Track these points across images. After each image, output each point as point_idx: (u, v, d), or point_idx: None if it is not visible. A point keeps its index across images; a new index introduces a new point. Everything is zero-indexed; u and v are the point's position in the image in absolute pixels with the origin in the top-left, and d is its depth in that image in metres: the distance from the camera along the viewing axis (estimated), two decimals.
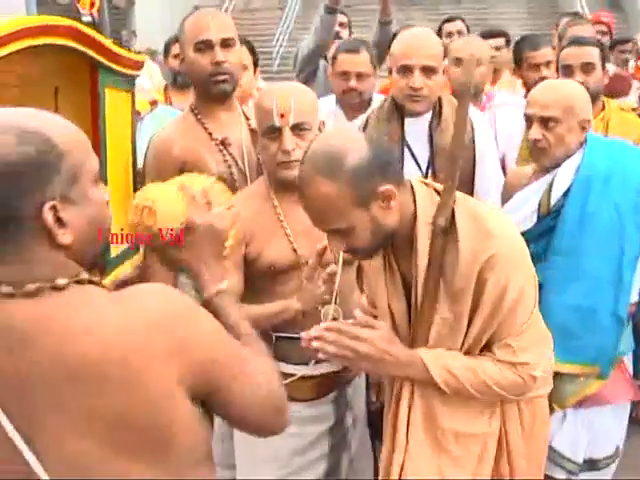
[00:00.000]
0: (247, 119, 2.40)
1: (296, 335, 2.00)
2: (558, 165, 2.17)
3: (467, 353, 1.72)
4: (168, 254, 1.44)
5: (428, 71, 2.42)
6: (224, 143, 2.33)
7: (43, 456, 1.11)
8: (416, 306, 1.71)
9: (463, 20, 4.55)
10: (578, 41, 2.89)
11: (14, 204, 1.10)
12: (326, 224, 1.61)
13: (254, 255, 2.05)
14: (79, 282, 1.15)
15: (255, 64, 3.35)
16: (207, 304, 1.38)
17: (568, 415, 2.29)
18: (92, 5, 8.52)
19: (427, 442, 1.77)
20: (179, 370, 1.15)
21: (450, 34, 4.31)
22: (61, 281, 1.13)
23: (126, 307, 1.15)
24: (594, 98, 2.46)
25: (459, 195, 1.69)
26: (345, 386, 2.22)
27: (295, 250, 2.04)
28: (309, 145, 1.64)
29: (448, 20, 4.53)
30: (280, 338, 2.09)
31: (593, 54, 2.78)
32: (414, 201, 1.66)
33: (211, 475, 1.27)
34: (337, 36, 4.23)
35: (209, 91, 2.33)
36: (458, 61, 3.08)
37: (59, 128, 1.16)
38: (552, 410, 2.12)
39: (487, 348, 1.71)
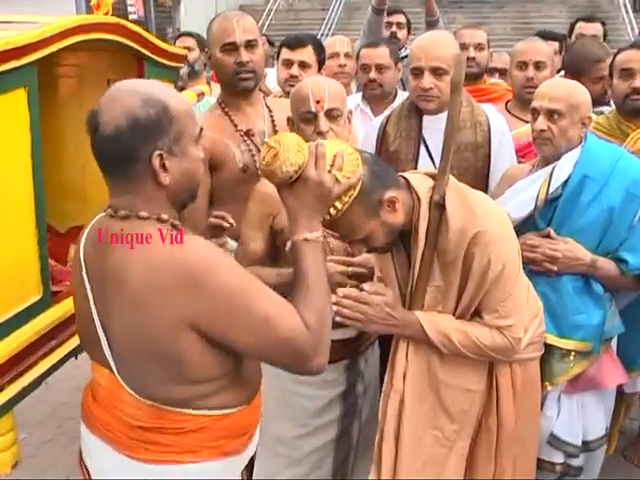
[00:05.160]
0: (270, 111, 2.62)
1: None
2: (559, 158, 2.32)
3: (460, 317, 1.95)
4: (279, 192, 1.68)
5: (438, 72, 2.54)
6: (248, 134, 2.55)
7: (108, 331, 1.53)
8: (413, 275, 1.94)
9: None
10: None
11: (135, 149, 1.46)
12: (347, 237, 1.89)
13: (280, 227, 2.27)
14: (159, 220, 1.50)
15: (321, 63, 3.25)
16: (293, 246, 1.63)
17: (563, 400, 2.40)
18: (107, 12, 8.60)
19: (422, 390, 1.99)
20: (185, 308, 1.45)
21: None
22: (143, 213, 1.48)
23: (168, 250, 1.47)
24: None
25: (450, 179, 1.91)
26: (358, 356, 2.39)
27: None
28: None
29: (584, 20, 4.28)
30: None
31: None
32: (411, 192, 1.90)
33: (226, 397, 1.60)
34: (394, 36, 4.36)
35: (234, 87, 2.56)
36: (520, 64, 3.11)
37: (174, 99, 1.53)
38: (544, 388, 2.28)
39: (476, 314, 1.94)
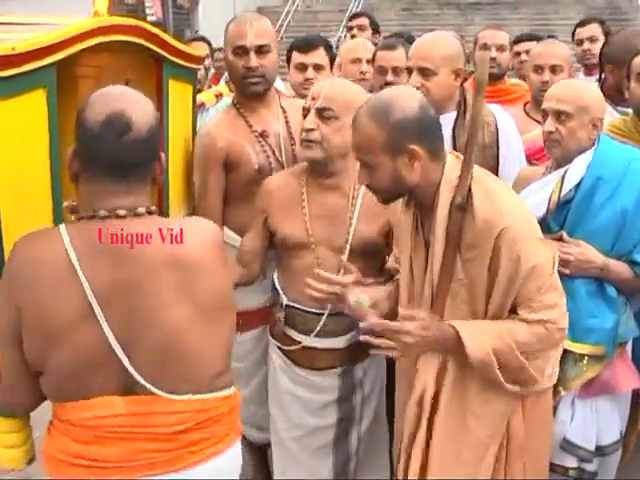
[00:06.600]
0: (284, 112, 2.64)
1: (302, 307, 2.29)
2: (571, 160, 2.31)
3: (496, 317, 1.89)
4: None
5: (425, 72, 2.54)
6: (263, 135, 2.57)
7: (131, 345, 1.52)
8: (431, 266, 1.90)
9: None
10: None
11: (158, 147, 1.59)
12: (357, 154, 1.88)
13: (273, 227, 2.32)
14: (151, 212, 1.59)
15: (332, 62, 3.31)
16: None
17: (577, 405, 2.37)
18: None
19: (452, 422, 1.94)
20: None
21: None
22: (153, 208, 1.60)
23: (194, 226, 1.64)
24: None
25: (478, 171, 1.88)
26: (353, 365, 2.37)
27: (307, 230, 2.25)
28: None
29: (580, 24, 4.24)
30: (289, 306, 2.33)
31: None
32: (442, 170, 1.87)
33: (232, 373, 1.75)
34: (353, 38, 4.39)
35: (244, 90, 2.59)
36: (536, 67, 3.12)
37: None
38: (558, 393, 2.26)
39: (513, 311, 1.89)
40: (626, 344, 2.41)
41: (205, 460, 1.61)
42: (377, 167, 1.83)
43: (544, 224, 2.29)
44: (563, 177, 2.29)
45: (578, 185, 2.28)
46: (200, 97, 3.87)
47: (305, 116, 2.24)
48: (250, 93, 2.58)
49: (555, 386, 2.20)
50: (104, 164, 1.52)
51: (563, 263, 2.25)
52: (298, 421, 2.38)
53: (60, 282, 1.50)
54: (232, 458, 1.70)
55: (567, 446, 2.37)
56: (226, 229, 2.63)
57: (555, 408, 2.31)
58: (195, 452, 1.59)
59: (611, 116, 2.90)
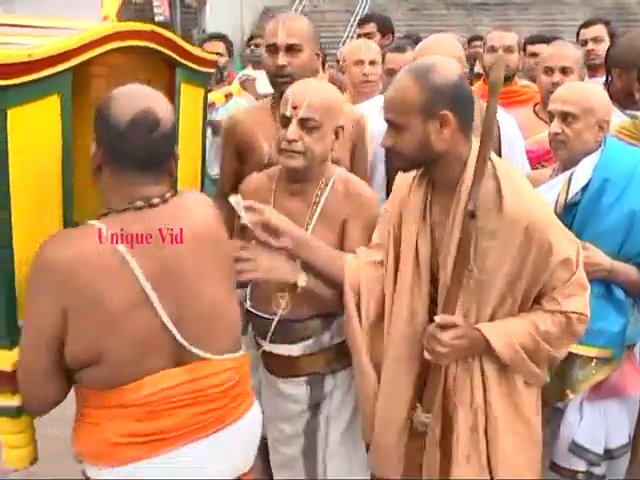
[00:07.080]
0: None
1: (257, 312, 2.28)
2: (577, 162, 2.32)
3: (520, 307, 1.91)
4: None
5: None
6: None
7: (181, 317, 1.67)
8: (444, 263, 1.90)
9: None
10: None
11: (174, 146, 1.73)
12: (389, 113, 1.88)
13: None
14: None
15: (322, 64, 3.43)
16: None
17: (585, 408, 2.37)
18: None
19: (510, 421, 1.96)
20: None
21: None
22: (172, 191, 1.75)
23: (201, 202, 1.85)
24: None
25: (504, 165, 1.91)
26: (322, 375, 2.28)
27: None
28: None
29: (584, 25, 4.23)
30: (248, 311, 2.31)
31: None
32: (469, 151, 1.88)
33: None
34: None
35: (275, 90, 2.59)
36: (546, 69, 3.15)
37: None
38: (566, 396, 2.28)
39: (536, 302, 1.92)
40: (634, 346, 2.41)
41: (245, 412, 1.79)
42: (407, 128, 1.84)
43: None
44: (570, 179, 2.30)
45: (585, 187, 2.28)
46: (210, 96, 3.90)
47: (285, 125, 2.15)
48: (279, 93, 2.53)
49: (563, 389, 2.22)
50: (134, 159, 1.63)
51: None
52: (278, 425, 2.35)
53: (112, 273, 1.59)
54: (259, 410, 1.90)
55: (576, 449, 2.38)
56: None
57: (563, 411, 2.32)
58: (238, 406, 1.77)
59: (620, 119, 2.90)
